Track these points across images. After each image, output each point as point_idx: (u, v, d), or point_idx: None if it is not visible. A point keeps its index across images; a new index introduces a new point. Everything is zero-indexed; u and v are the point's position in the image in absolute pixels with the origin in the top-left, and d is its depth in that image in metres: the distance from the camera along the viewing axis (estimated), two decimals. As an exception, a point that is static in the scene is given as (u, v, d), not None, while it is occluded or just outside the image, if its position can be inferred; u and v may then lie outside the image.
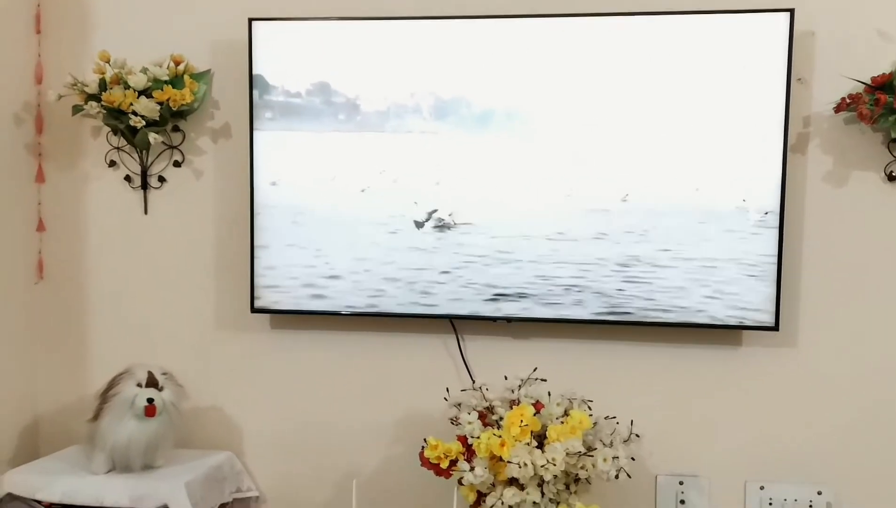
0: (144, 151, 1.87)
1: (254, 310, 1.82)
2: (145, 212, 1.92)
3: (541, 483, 1.55)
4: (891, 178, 1.68)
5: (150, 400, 1.60)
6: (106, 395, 1.63)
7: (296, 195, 1.78)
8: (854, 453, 1.73)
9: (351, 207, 1.77)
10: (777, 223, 1.64)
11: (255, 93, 1.76)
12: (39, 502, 1.59)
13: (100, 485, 1.60)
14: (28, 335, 1.93)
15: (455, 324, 1.83)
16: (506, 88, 1.70)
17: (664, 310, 1.69)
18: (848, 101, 1.62)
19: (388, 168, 1.75)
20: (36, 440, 1.95)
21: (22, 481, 1.62)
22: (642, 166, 1.68)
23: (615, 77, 1.67)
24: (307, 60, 1.75)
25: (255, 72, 1.76)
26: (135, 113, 1.74)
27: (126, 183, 1.92)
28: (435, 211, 1.74)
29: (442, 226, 1.74)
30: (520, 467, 1.49)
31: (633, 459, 1.59)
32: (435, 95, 1.72)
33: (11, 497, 1.60)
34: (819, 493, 1.74)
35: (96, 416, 1.64)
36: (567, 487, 1.59)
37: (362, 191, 1.76)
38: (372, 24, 1.74)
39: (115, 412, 1.61)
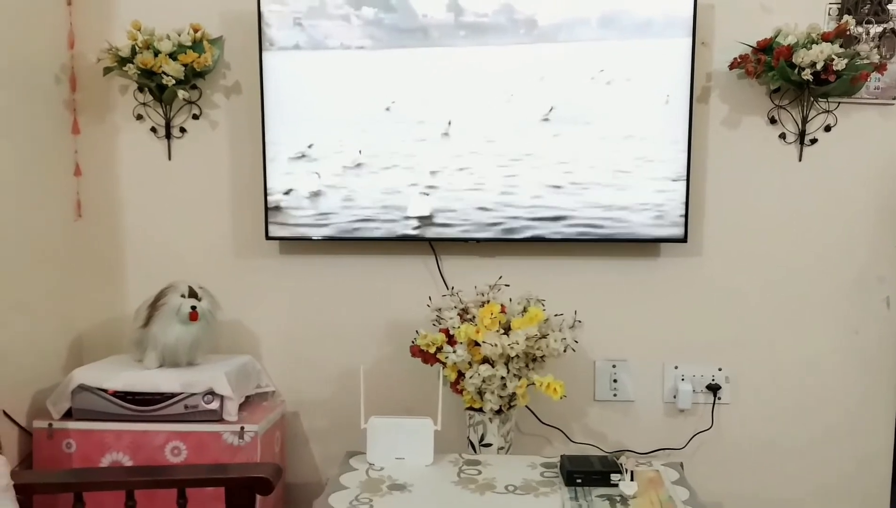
0: (168, 106, 2.21)
1: (268, 238, 2.19)
2: (169, 158, 2.26)
3: (507, 362, 2.00)
4: (772, 121, 2.15)
5: (193, 307, 1.98)
6: (155, 305, 2.00)
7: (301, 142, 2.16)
8: (746, 339, 2.23)
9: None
10: (686, 158, 2.09)
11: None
12: (105, 390, 1.96)
13: (155, 376, 1.98)
14: (70, 265, 2.26)
15: (434, 246, 2.25)
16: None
17: (601, 229, 2.14)
18: (738, 60, 2.08)
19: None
20: (81, 352, 2.30)
21: (89, 375, 1.98)
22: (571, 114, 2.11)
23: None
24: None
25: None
26: (164, 73, 2.08)
27: (152, 133, 2.26)
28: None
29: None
30: (492, 346, 1.93)
31: (576, 342, 2.05)
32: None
33: (82, 387, 1.96)
34: (720, 369, 2.24)
35: (146, 323, 2.01)
36: (527, 365, 2.04)
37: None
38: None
39: (164, 318, 1.98)
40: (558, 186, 2.13)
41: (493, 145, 2.13)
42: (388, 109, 2.13)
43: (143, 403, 1.95)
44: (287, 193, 2.16)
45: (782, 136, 2.15)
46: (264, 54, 2.12)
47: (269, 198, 2.17)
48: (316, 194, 2.16)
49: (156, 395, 1.95)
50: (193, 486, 1.70)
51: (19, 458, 2.01)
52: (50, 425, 1.97)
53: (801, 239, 2.19)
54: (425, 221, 2.15)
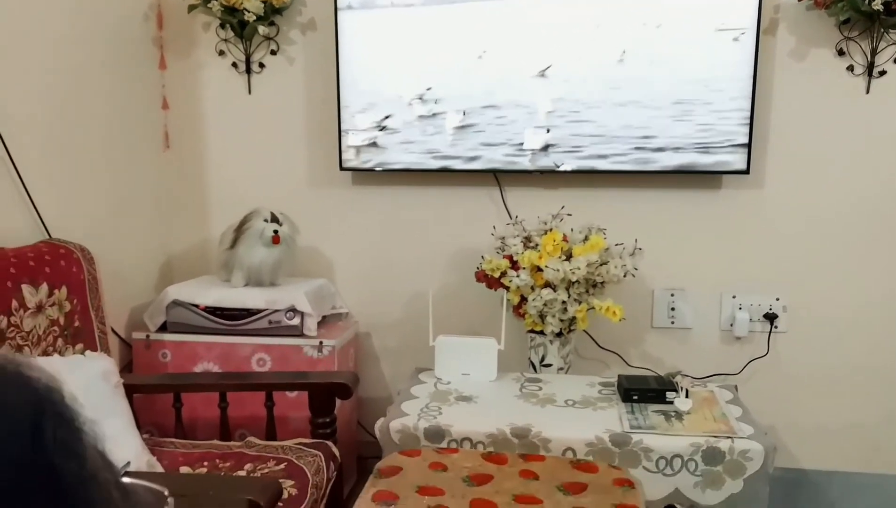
0: (248, 42, 2.34)
1: (342, 169, 2.32)
2: (249, 92, 2.40)
3: (568, 287, 2.09)
4: (840, 53, 2.15)
5: (276, 231, 2.13)
6: (241, 228, 2.15)
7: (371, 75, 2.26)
8: (803, 269, 2.27)
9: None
10: (751, 90, 2.12)
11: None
12: (196, 306, 2.14)
13: (241, 294, 2.15)
14: (159, 193, 2.43)
15: (498, 177, 2.34)
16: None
17: (663, 161, 2.20)
18: (808, -9, 2.08)
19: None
20: (171, 273, 2.49)
21: (182, 292, 2.16)
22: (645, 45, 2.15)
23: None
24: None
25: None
26: (245, 10, 2.20)
27: (233, 69, 2.38)
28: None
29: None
30: (554, 271, 2.03)
31: (636, 269, 2.13)
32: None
33: (176, 303, 2.15)
34: (777, 299, 2.29)
35: (233, 245, 2.17)
36: (587, 291, 2.13)
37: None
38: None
39: (249, 240, 2.14)
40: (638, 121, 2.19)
41: (574, 86, 2.19)
42: (480, 57, 2.21)
43: (230, 318, 2.13)
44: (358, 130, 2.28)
45: (850, 68, 2.15)
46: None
47: (342, 132, 2.29)
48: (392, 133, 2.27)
49: (242, 311, 2.12)
50: (280, 390, 1.88)
51: (120, 367, 2.21)
52: (147, 336, 2.17)
53: (866, 172, 2.20)
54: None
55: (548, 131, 2.18)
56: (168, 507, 0.47)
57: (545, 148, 2.22)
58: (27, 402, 0.36)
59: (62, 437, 0.36)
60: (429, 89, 2.24)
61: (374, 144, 2.28)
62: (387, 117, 2.26)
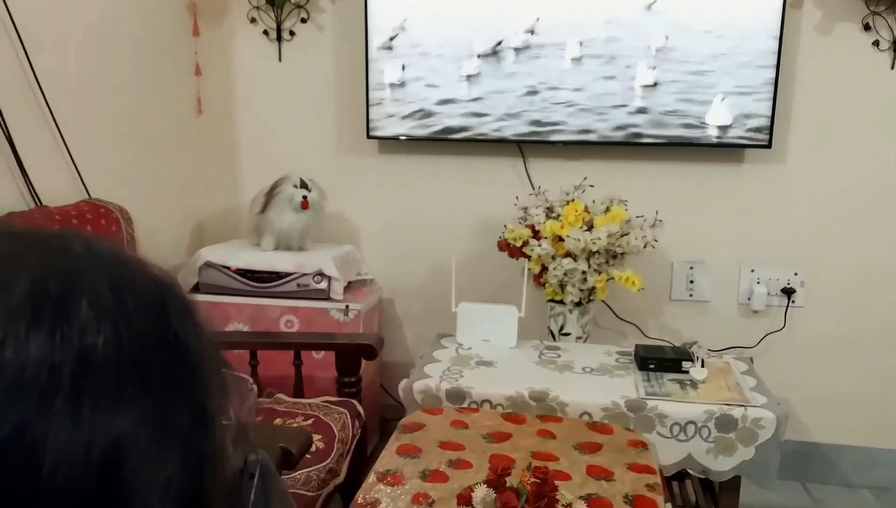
0: (279, 10, 2.38)
1: (369, 137, 2.36)
2: (279, 60, 2.44)
3: (588, 257, 2.14)
4: (866, 27, 2.15)
5: (305, 197, 2.19)
6: (271, 193, 2.22)
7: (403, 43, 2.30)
8: (822, 245, 2.29)
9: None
10: (775, 63, 2.13)
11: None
12: (228, 268, 2.21)
13: (271, 257, 2.21)
14: (192, 157, 2.49)
15: (521, 148, 2.37)
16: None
17: (684, 134, 2.22)
18: (837, -34, 2.08)
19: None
20: (202, 236, 2.56)
21: (214, 254, 2.23)
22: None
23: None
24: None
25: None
26: (277, -22, 2.24)
27: (264, 36, 2.43)
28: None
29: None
30: (575, 241, 2.08)
31: (656, 241, 2.16)
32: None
33: (208, 264, 2.22)
34: (795, 274, 2.32)
35: (263, 209, 2.24)
36: (607, 261, 2.17)
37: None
38: None
39: (279, 205, 2.20)
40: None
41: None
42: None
43: (260, 280, 2.20)
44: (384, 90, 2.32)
45: (875, 43, 2.15)
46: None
47: (370, 99, 2.33)
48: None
49: (272, 274, 2.19)
50: (309, 349, 1.95)
51: (153, 325, 2.29)
52: (180, 296, 2.24)
53: (889, 148, 2.20)
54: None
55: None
56: (252, 393, 0.52)
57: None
58: (153, 285, 0.41)
59: (184, 317, 0.41)
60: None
61: (399, 113, 2.33)
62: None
